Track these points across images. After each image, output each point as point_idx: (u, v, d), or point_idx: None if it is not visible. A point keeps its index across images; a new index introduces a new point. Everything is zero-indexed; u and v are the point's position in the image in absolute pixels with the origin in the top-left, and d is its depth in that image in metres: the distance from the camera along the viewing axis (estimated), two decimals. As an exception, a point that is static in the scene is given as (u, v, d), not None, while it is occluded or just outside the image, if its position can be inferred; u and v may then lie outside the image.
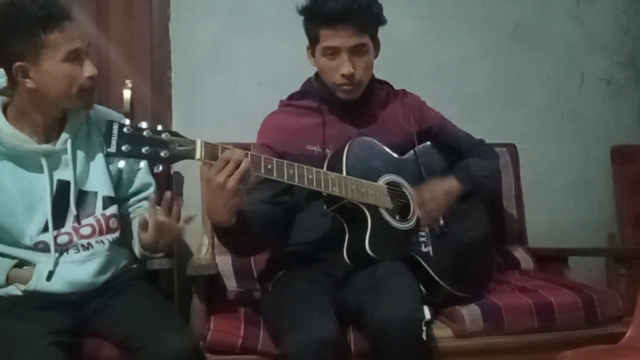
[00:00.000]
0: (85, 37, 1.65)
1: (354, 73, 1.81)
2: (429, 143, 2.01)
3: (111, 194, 1.76)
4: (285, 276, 1.86)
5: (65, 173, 1.70)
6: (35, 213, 1.66)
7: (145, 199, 1.85)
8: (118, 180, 1.81)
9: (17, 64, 1.57)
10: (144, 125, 1.41)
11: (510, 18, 2.78)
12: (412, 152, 1.95)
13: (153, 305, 1.70)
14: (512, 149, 2.51)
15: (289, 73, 2.35)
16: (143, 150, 1.39)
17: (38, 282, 1.64)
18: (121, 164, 1.41)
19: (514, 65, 2.78)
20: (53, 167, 1.68)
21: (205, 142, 1.47)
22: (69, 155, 1.69)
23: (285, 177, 1.59)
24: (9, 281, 1.65)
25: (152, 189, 1.87)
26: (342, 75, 1.81)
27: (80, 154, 1.72)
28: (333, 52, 1.81)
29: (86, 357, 1.64)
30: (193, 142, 1.46)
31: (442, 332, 1.82)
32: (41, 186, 1.66)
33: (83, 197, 1.72)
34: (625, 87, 2.90)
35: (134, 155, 1.39)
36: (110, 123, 1.37)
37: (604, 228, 2.80)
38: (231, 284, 2.13)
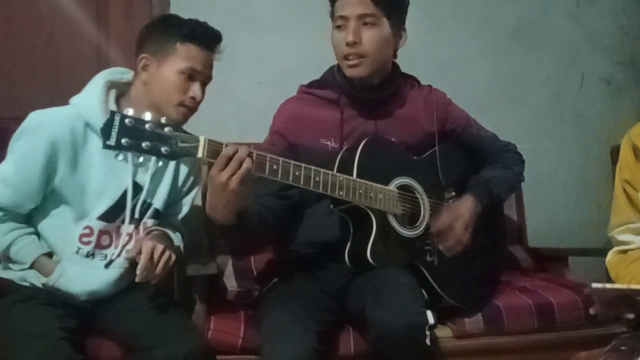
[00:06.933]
0: (210, 71, 1.76)
1: (357, 42, 1.75)
2: (450, 143, 1.95)
3: (161, 208, 1.78)
4: (278, 286, 1.82)
5: (141, 177, 1.73)
6: (102, 199, 1.68)
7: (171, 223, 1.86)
8: (174, 203, 1.83)
9: (144, 55, 1.70)
10: (146, 117, 1.35)
11: (510, 18, 2.78)
12: (431, 152, 1.89)
13: (162, 305, 1.70)
14: (512, 149, 2.51)
15: (289, 73, 2.35)
16: (143, 145, 1.34)
17: (59, 278, 1.64)
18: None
19: (514, 65, 2.78)
20: (136, 165, 1.71)
21: (209, 140, 1.41)
22: (152, 162, 1.72)
23: (291, 179, 1.53)
24: (33, 266, 1.65)
25: (183, 213, 1.87)
26: (347, 44, 1.76)
27: (160, 165, 1.76)
28: (343, 22, 1.78)
29: (87, 356, 1.64)
30: (196, 139, 1.39)
31: (442, 333, 1.82)
32: (121, 175, 1.69)
33: (139, 203, 1.73)
34: (625, 87, 2.91)
35: (133, 149, 1.33)
36: (113, 113, 1.32)
37: (604, 228, 2.78)
38: (231, 284, 2.13)
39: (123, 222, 1.71)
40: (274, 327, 1.62)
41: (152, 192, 1.76)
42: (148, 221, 1.75)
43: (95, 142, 1.66)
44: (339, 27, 1.80)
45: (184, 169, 1.83)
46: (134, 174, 1.71)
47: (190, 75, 1.70)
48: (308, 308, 1.67)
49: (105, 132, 1.31)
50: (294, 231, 1.85)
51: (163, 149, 1.36)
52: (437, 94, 1.98)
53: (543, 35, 2.81)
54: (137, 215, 1.73)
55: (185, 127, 2.37)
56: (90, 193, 1.67)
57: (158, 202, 1.77)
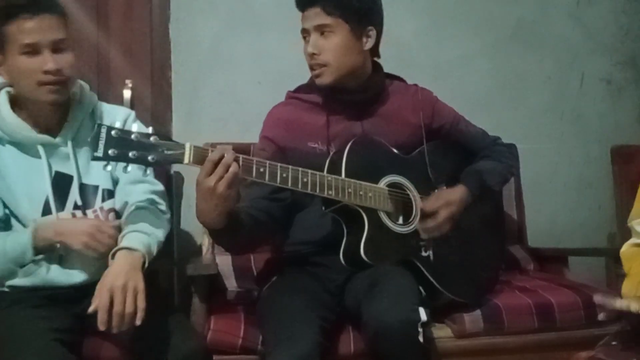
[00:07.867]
0: (53, 31, 1.57)
1: (315, 53, 1.79)
2: (438, 141, 1.96)
3: (110, 187, 1.75)
4: (278, 283, 1.84)
5: (66, 166, 1.70)
6: (34, 198, 1.66)
7: (131, 181, 1.78)
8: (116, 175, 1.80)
9: None
10: (133, 128, 1.39)
11: (510, 18, 2.78)
12: (419, 150, 1.90)
13: (159, 306, 1.69)
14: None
15: (289, 73, 2.34)
16: (130, 154, 1.37)
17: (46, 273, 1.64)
18: (129, 168, 1.40)
19: (514, 65, 2.78)
20: (51, 157, 1.69)
21: (194, 146, 1.43)
22: (69, 149, 1.70)
23: (278, 181, 1.55)
24: (35, 243, 1.59)
25: (132, 175, 1.76)
26: (308, 55, 1.81)
27: (83, 148, 1.71)
28: (305, 34, 1.83)
29: (86, 356, 1.64)
30: (182, 146, 1.42)
31: (442, 332, 1.82)
32: (40, 172, 1.67)
33: (84, 190, 1.72)
34: (625, 87, 2.90)
35: (121, 159, 1.37)
36: (99, 126, 1.36)
37: (604, 228, 2.80)
38: (231, 284, 2.13)
39: (76, 207, 1.69)
40: (278, 321, 1.63)
41: (90, 176, 1.72)
42: (104, 205, 1.73)
43: (3, 151, 1.66)
44: (304, 38, 1.84)
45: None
46: (50, 164, 1.68)
47: (33, 51, 1.56)
48: (310, 303, 1.68)
49: (93, 144, 1.35)
50: (291, 231, 1.87)
51: (150, 157, 1.39)
52: (424, 93, 2.00)
53: (543, 35, 2.81)
54: (92, 200, 1.70)
55: (185, 127, 2.38)
56: (23, 197, 1.66)
57: (104, 182, 1.73)
